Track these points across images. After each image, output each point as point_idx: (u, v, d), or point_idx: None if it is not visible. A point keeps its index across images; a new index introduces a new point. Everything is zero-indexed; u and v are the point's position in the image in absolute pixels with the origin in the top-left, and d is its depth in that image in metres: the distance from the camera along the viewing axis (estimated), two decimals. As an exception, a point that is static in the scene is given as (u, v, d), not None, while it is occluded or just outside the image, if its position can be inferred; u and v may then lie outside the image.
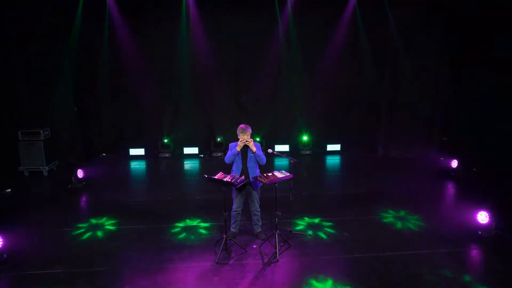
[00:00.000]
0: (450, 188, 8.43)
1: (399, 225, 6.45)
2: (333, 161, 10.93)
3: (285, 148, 11.03)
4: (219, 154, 10.77)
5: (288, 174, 5.58)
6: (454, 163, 8.92)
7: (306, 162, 10.57)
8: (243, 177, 5.53)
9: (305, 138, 11.17)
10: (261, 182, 5.50)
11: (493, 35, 8.75)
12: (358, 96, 11.21)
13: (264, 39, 10.65)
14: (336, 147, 11.34)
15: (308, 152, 11.15)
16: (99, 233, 6.19)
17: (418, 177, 8.90)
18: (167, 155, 10.90)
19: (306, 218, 6.68)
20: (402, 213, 6.88)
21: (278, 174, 5.53)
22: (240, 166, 5.68)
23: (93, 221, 6.60)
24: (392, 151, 10.80)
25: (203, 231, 6.27)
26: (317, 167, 10.38)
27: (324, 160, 10.93)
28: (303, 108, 11.19)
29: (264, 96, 11.13)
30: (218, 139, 10.93)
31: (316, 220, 6.61)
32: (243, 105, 11.17)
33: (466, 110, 9.85)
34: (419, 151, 10.56)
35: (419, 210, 6.96)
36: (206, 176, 5.39)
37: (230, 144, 5.75)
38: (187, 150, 11.04)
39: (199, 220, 6.63)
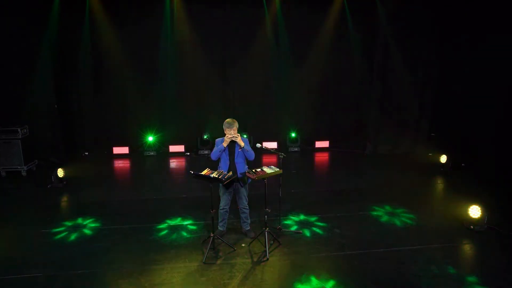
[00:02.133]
0: (440, 184, 8.39)
1: (390, 221, 6.36)
2: (321, 158, 10.82)
3: (273, 145, 10.87)
4: (206, 151, 10.55)
5: (277, 169, 5.40)
6: (443, 159, 8.94)
7: (295, 159, 10.44)
8: (230, 173, 5.34)
9: (293, 135, 11.04)
10: (249, 177, 5.31)
11: (484, 34, 8.75)
12: (347, 93, 11.10)
13: (251, 35, 10.46)
14: (325, 144, 11.23)
15: (296, 149, 11.03)
16: (80, 234, 5.91)
17: (407, 173, 8.88)
18: (152, 153, 10.63)
19: (295, 215, 6.53)
20: (392, 209, 6.80)
21: (267, 170, 5.34)
22: (228, 162, 5.50)
23: (73, 222, 6.31)
24: (381, 147, 10.75)
25: (190, 228, 6.06)
26: (305, 164, 10.24)
27: (312, 157, 10.82)
28: (292, 104, 11.05)
29: (252, 93, 10.94)
30: (205, 137, 10.71)
31: (306, 217, 6.46)
32: (231, 101, 10.97)
33: (455, 106, 9.85)
34: (408, 147, 10.54)
35: (410, 205, 6.90)
36: (192, 172, 5.20)
37: (217, 140, 5.54)
38: (173, 148, 10.78)
39: (185, 219, 6.42)
